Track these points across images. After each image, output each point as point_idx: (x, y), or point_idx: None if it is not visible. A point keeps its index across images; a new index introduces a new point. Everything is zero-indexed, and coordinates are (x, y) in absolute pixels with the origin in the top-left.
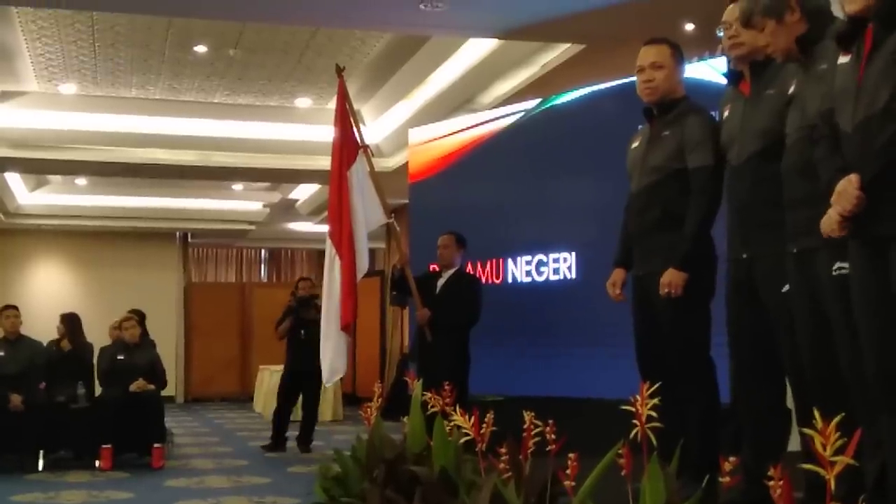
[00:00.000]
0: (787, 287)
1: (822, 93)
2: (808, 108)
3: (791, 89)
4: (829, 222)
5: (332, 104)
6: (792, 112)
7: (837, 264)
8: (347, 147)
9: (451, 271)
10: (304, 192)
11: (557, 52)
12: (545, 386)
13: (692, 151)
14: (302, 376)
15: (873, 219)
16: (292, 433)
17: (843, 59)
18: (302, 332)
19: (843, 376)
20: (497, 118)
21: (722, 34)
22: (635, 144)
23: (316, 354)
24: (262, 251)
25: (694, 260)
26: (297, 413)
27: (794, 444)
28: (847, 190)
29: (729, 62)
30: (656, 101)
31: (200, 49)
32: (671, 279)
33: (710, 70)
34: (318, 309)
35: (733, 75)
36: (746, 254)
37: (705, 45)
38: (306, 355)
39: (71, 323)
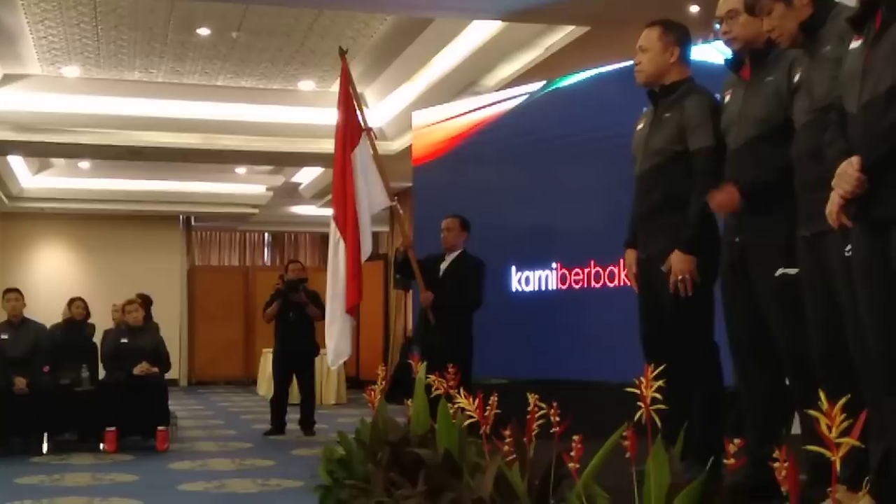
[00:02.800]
0: (780, 271)
1: (830, 76)
2: (816, 91)
3: (796, 77)
4: (831, 206)
5: (335, 87)
6: (799, 99)
7: (849, 246)
8: (350, 130)
9: (454, 254)
10: (307, 176)
11: (561, 35)
12: (549, 368)
13: (692, 133)
14: (292, 358)
15: (875, 201)
16: (293, 416)
17: (855, 44)
18: (290, 314)
19: (851, 359)
20: (501, 101)
21: (718, 27)
22: (640, 126)
23: (304, 336)
24: (266, 234)
25: (698, 243)
26: (295, 396)
27: (794, 428)
28: (847, 172)
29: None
30: (644, 84)
31: (203, 32)
32: (680, 266)
33: (715, 52)
34: (307, 292)
35: (734, 61)
36: (740, 237)
37: (710, 28)
38: (295, 337)
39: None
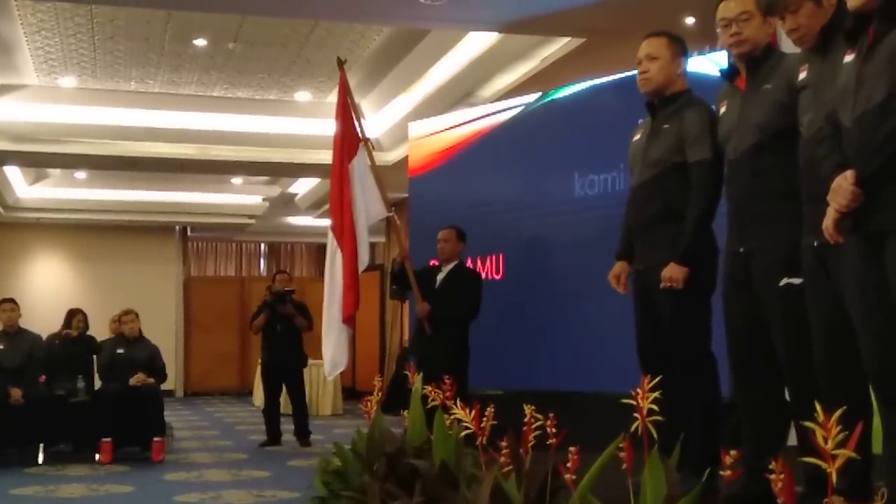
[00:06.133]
0: (784, 281)
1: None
2: (825, 97)
3: (803, 74)
4: (827, 220)
5: (331, 98)
6: (805, 102)
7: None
8: (348, 140)
9: (451, 265)
10: (303, 186)
11: (558, 46)
12: (546, 380)
13: (691, 145)
14: (279, 370)
15: (870, 214)
16: (289, 427)
17: (849, 58)
18: (278, 326)
19: (856, 371)
20: (497, 112)
21: (720, 30)
22: (637, 137)
23: (291, 348)
24: (262, 245)
25: (695, 254)
26: (288, 406)
27: (790, 440)
28: (842, 186)
29: (730, 56)
30: (652, 92)
31: (200, 42)
32: (672, 273)
33: (710, 64)
34: (294, 303)
35: (729, 71)
36: (743, 247)
37: (706, 39)
38: (282, 349)
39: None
